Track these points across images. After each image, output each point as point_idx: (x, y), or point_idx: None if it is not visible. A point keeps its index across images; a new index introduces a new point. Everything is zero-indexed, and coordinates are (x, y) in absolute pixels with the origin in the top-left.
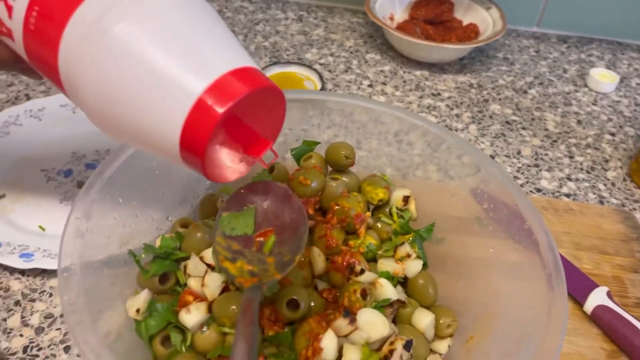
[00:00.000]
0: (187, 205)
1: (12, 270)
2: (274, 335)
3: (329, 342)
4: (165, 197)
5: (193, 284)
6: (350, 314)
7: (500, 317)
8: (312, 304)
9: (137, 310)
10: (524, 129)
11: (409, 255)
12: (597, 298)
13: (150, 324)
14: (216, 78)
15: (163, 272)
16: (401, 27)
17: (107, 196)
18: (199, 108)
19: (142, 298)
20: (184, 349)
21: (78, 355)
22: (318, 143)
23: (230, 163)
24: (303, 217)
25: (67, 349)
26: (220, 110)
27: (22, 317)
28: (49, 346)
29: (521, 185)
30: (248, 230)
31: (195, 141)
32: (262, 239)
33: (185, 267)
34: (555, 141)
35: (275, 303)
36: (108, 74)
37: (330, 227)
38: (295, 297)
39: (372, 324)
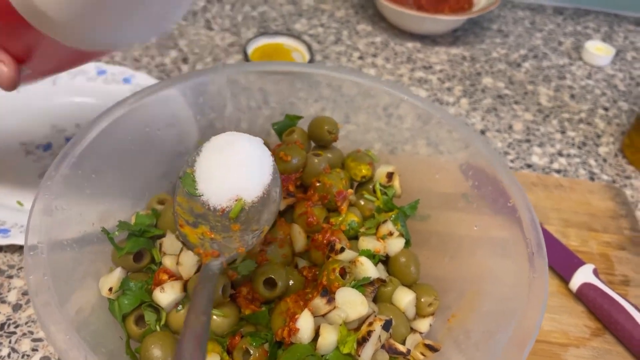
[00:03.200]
0: (166, 181)
1: None
2: (250, 314)
3: (304, 322)
4: (142, 173)
5: (168, 262)
6: (329, 293)
7: (483, 295)
8: (291, 282)
9: (110, 289)
10: (516, 103)
11: (391, 233)
12: (583, 276)
13: (124, 303)
14: None
15: (137, 250)
16: None
17: (79, 172)
18: None
19: (114, 276)
20: (158, 327)
21: None
22: (301, 117)
23: None
24: (276, 181)
25: None
26: None
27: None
28: (26, 323)
29: (511, 161)
30: None
31: None
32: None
33: (160, 244)
34: (547, 116)
35: (252, 282)
36: None
37: (311, 204)
38: (273, 276)
39: (351, 303)
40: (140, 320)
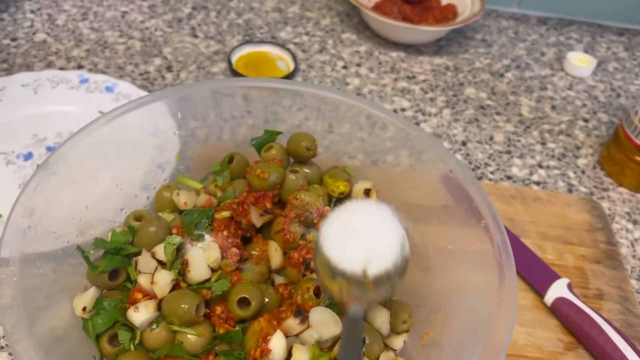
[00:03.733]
0: (145, 195)
1: None
2: (224, 333)
3: (277, 343)
4: (120, 189)
5: (143, 281)
6: (302, 313)
7: (455, 309)
8: (267, 300)
9: (84, 309)
10: (497, 114)
11: None
12: (558, 290)
13: (97, 322)
14: None
15: (113, 268)
16: (378, 6)
17: (55, 187)
18: None
19: (88, 296)
20: (132, 347)
21: None
22: (280, 133)
23: None
24: (404, 241)
25: None
26: None
27: None
28: (3, 337)
29: (492, 172)
30: None
31: None
32: None
33: (136, 262)
34: (528, 127)
35: (227, 301)
36: None
37: (289, 221)
38: (247, 295)
39: (324, 322)
40: (114, 339)
